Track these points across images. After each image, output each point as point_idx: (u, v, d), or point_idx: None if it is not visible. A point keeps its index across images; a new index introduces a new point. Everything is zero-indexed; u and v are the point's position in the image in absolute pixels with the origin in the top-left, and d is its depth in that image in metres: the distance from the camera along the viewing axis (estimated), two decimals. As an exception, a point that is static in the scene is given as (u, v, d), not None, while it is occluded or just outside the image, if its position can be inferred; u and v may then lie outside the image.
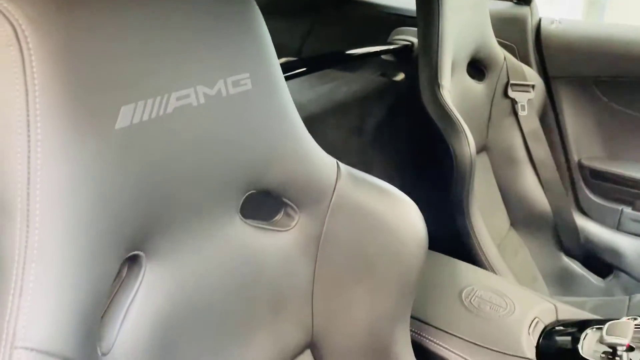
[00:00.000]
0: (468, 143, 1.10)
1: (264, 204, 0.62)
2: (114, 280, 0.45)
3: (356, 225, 0.63)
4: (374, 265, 0.64)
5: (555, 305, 0.90)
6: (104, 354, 0.44)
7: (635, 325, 0.75)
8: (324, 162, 0.63)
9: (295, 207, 0.63)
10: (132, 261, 0.48)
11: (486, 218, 1.22)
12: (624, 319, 0.78)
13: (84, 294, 0.39)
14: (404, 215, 0.64)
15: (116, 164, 0.43)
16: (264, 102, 0.56)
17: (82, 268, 0.40)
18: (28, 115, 0.38)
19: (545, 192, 1.44)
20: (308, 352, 0.69)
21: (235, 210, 0.57)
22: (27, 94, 0.38)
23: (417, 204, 0.66)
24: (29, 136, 0.38)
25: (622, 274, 1.42)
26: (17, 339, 0.35)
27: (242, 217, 0.59)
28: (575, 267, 1.48)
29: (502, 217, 1.46)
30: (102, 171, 0.42)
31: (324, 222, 0.63)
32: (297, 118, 0.61)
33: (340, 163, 0.66)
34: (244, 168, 0.56)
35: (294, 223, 0.64)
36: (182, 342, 0.51)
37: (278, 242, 0.62)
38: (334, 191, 0.63)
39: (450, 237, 1.16)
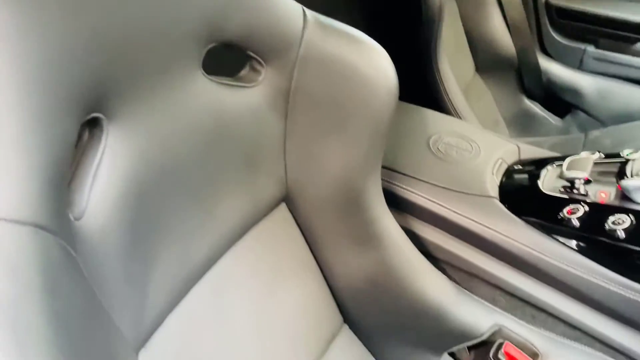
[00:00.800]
0: (437, -16, 1.04)
1: (227, 58, 0.58)
2: (77, 145, 0.43)
3: (326, 75, 0.60)
4: (346, 115, 0.63)
5: (518, 146, 0.93)
6: (76, 219, 0.43)
7: (594, 160, 0.79)
8: (288, 9, 0.58)
9: (260, 60, 0.59)
10: (92, 124, 0.45)
11: (453, 64, 1.20)
12: (583, 154, 0.82)
13: (44, 158, 0.37)
14: (374, 63, 0.61)
15: (61, 14, 0.38)
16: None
17: (37, 130, 0.37)
18: None
19: (511, 35, 1.42)
20: (283, 206, 0.70)
21: (197, 65, 0.54)
22: None
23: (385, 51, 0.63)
24: None
25: (580, 113, 1.47)
26: None
27: (204, 73, 0.55)
28: (536, 108, 1.51)
29: (468, 63, 1.44)
30: (46, 23, 0.37)
31: (292, 75, 0.61)
32: None
33: (306, 9, 0.61)
34: (201, 16, 0.51)
35: (260, 78, 0.61)
36: (155, 201, 0.51)
37: (245, 99, 0.60)
38: (301, 40, 0.59)
39: (418, 85, 1.15)
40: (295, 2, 0.59)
